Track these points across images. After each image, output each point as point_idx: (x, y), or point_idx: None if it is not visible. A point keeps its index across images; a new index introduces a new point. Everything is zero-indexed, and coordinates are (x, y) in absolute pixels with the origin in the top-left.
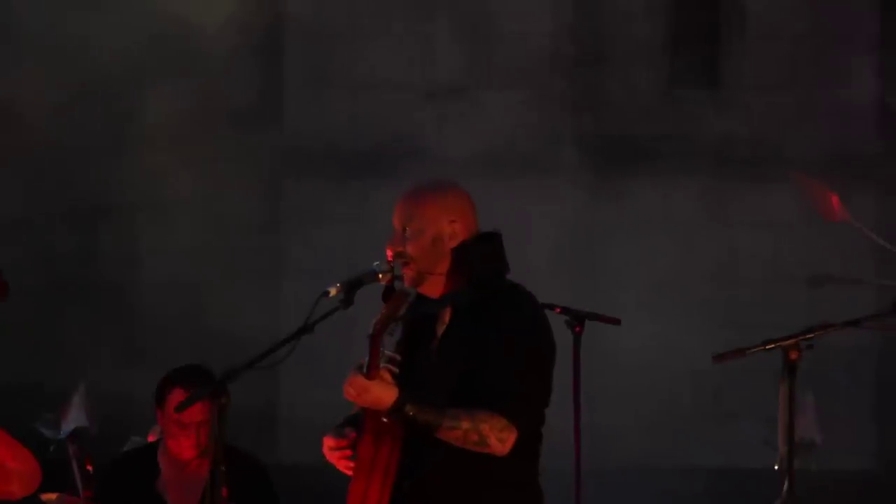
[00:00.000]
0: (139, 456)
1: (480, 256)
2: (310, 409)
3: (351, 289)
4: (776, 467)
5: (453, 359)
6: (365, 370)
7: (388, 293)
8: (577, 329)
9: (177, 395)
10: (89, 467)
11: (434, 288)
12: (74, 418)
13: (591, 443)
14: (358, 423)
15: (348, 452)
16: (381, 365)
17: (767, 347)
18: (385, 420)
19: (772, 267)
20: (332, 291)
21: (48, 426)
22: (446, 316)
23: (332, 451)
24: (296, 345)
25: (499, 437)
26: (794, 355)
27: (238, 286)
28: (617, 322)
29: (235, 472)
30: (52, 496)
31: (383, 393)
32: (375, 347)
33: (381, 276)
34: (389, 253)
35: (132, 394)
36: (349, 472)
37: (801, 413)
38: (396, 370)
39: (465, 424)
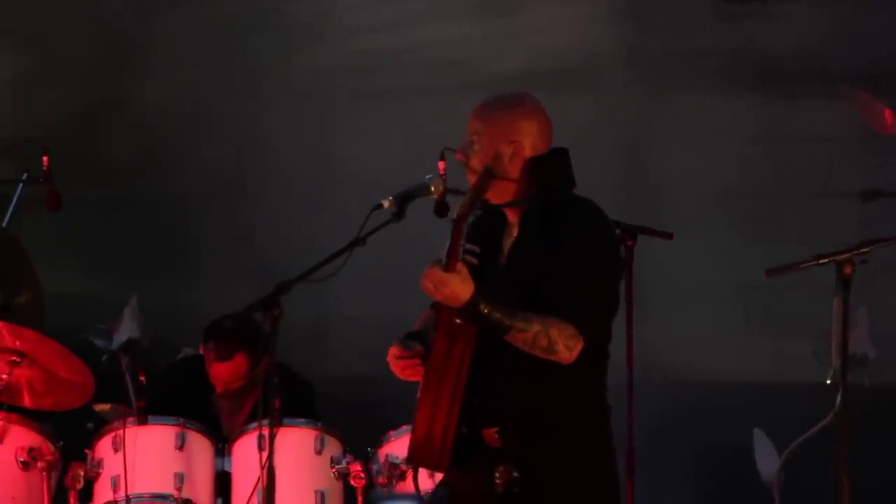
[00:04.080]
0: (199, 365)
1: (552, 169)
2: (360, 321)
3: (403, 201)
4: (828, 381)
5: (523, 267)
6: (444, 261)
7: (440, 207)
8: (630, 243)
9: (209, 350)
10: (142, 378)
11: (504, 199)
12: (126, 330)
13: (641, 355)
14: (420, 337)
15: (414, 362)
16: (461, 257)
17: (821, 262)
18: (458, 321)
19: (825, 181)
20: (385, 204)
21: (100, 337)
22: (514, 229)
23: (397, 360)
24: (348, 258)
25: (566, 345)
26: (847, 269)
27: (288, 200)
28: (669, 236)
29: (283, 387)
30: (106, 406)
31: (460, 287)
32: (458, 235)
33: (433, 188)
34: (459, 155)
35: (183, 307)
36: (411, 379)
37: (854, 328)
38: (475, 261)
39: (536, 327)
